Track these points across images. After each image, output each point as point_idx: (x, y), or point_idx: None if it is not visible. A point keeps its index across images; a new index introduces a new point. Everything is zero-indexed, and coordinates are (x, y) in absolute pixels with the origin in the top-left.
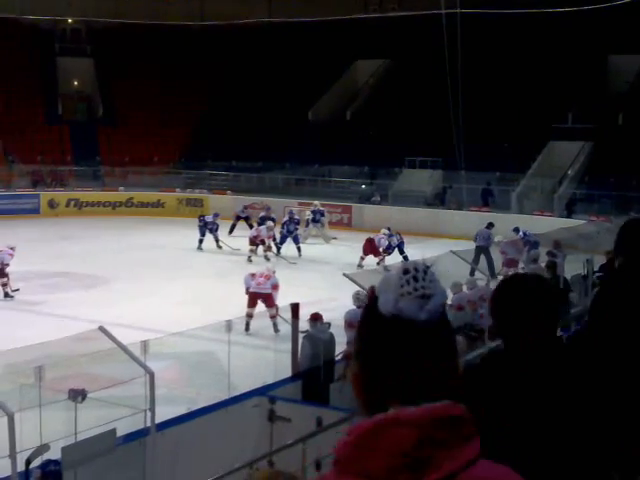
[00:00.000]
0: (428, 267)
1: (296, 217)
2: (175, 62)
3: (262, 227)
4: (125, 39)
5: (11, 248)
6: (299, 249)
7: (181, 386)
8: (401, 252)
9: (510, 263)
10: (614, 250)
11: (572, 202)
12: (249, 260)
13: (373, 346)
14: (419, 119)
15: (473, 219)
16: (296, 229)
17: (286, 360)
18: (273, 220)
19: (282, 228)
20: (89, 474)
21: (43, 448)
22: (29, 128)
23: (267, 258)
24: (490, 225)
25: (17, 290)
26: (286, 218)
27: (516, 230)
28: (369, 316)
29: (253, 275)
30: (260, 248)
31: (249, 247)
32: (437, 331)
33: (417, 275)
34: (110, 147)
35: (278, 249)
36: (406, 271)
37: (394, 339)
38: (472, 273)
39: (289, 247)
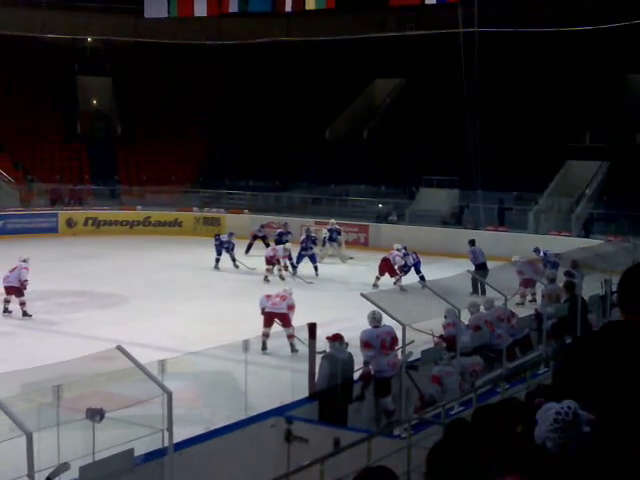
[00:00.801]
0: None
1: (313, 235)
2: (193, 81)
3: (279, 247)
4: (143, 58)
5: (24, 261)
6: (316, 268)
7: (198, 406)
8: (417, 272)
9: (527, 283)
10: (618, 300)
11: (589, 222)
12: (266, 280)
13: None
14: (436, 138)
15: (490, 238)
16: (312, 248)
17: (303, 380)
18: (290, 234)
19: (300, 247)
20: None
21: (63, 467)
22: (48, 147)
23: (282, 277)
24: (473, 242)
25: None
26: (303, 237)
27: (537, 251)
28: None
29: (269, 297)
30: (276, 268)
31: (265, 267)
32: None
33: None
34: (128, 166)
35: (294, 268)
36: (557, 421)
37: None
38: (483, 292)
39: (306, 266)
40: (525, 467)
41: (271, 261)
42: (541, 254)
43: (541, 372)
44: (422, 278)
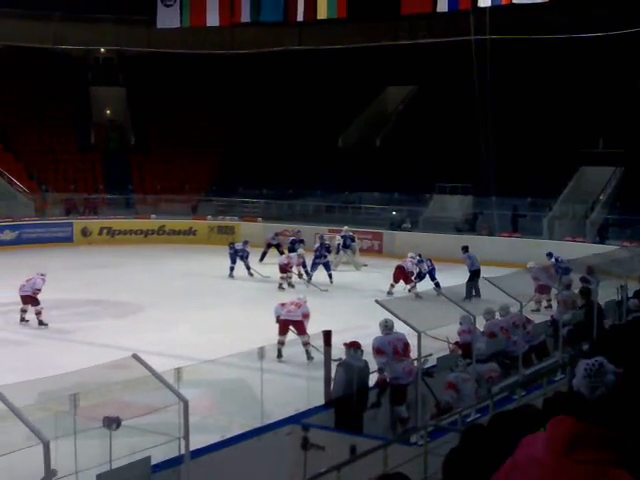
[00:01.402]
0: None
1: (327, 243)
2: (205, 90)
3: (293, 254)
4: (156, 68)
5: (42, 275)
6: (330, 276)
7: (215, 414)
8: (432, 278)
9: (542, 289)
10: None
11: (604, 227)
12: (280, 288)
13: None
14: (449, 145)
15: (504, 245)
16: (326, 256)
17: (319, 388)
18: (302, 242)
19: (314, 255)
20: None
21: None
22: (62, 157)
23: (292, 285)
24: (467, 248)
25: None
26: (317, 244)
27: (549, 255)
28: None
29: (283, 305)
30: (292, 276)
31: (280, 275)
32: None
33: (592, 374)
34: (142, 175)
35: (310, 277)
36: (586, 370)
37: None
38: (478, 294)
39: (320, 274)
40: (576, 411)
41: (285, 269)
42: (552, 259)
43: (557, 378)
44: (437, 285)
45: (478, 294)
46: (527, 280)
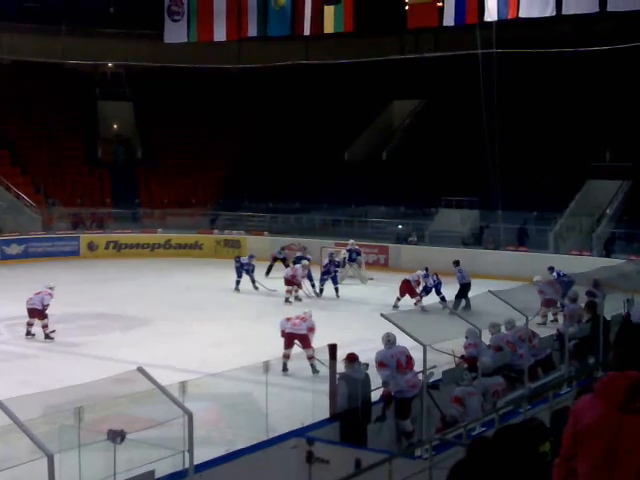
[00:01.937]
0: None
1: (337, 260)
2: (212, 104)
3: (297, 266)
4: (163, 82)
5: (50, 289)
6: (337, 290)
7: (219, 427)
8: (438, 293)
9: (549, 303)
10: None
11: (611, 241)
12: (287, 301)
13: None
14: (455, 159)
15: (510, 259)
16: (336, 271)
17: (324, 401)
18: (308, 260)
19: (322, 271)
20: None
21: None
22: (69, 171)
23: (299, 298)
24: (458, 262)
25: (53, 334)
26: (326, 261)
27: (551, 269)
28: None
29: (289, 319)
30: (299, 290)
31: (286, 288)
32: None
33: None
34: (149, 189)
35: (321, 291)
36: None
37: None
38: (456, 307)
39: (327, 289)
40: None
41: (291, 282)
42: (554, 274)
43: (563, 392)
44: (443, 299)
45: (468, 306)
46: (533, 294)
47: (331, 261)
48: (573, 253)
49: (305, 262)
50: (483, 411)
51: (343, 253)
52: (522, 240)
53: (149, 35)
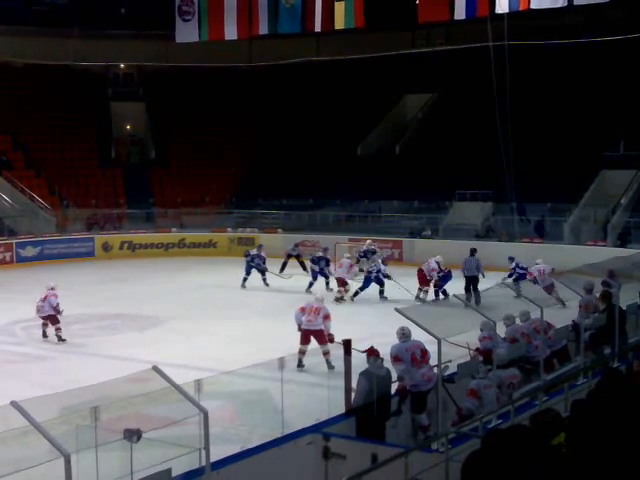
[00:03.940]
0: None
1: (327, 256)
2: (224, 103)
3: (344, 260)
4: (176, 82)
5: (52, 288)
6: (327, 284)
7: (235, 425)
8: (440, 287)
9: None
10: None
11: (626, 231)
12: (340, 300)
13: None
14: (468, 152)
15: (524, 251)
16: (327, 266)
17: (339, 397)
18: (328, 261)
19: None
20: None
21: None
22: (83, 172)
23: (344, 298)
24: (474, 251)
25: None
26: (320, 254)
27: (510, 259)
28: None
29: (303, 309)
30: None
31: (337, 288)
32: None
33: None
34: (162, 189)
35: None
36: None
37: None
38: (478, 301)
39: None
40: None
41: (344, 282)
42: (513, 264)
43: (579, 383)
44: (443, 293)
45: (478, 301)
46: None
47: (322, 256)
48: (588, 244)
49: (346, 260)
50: (499, 403)
51: (357, 252)
52: (542, 233)
53: (160, 35)
